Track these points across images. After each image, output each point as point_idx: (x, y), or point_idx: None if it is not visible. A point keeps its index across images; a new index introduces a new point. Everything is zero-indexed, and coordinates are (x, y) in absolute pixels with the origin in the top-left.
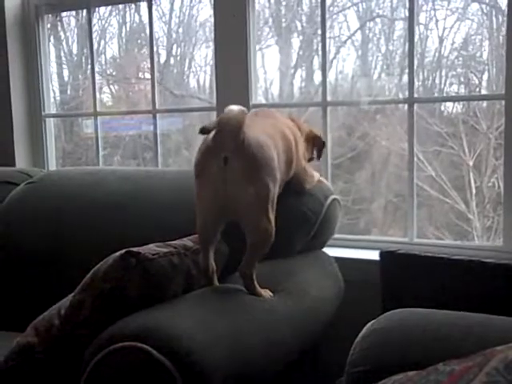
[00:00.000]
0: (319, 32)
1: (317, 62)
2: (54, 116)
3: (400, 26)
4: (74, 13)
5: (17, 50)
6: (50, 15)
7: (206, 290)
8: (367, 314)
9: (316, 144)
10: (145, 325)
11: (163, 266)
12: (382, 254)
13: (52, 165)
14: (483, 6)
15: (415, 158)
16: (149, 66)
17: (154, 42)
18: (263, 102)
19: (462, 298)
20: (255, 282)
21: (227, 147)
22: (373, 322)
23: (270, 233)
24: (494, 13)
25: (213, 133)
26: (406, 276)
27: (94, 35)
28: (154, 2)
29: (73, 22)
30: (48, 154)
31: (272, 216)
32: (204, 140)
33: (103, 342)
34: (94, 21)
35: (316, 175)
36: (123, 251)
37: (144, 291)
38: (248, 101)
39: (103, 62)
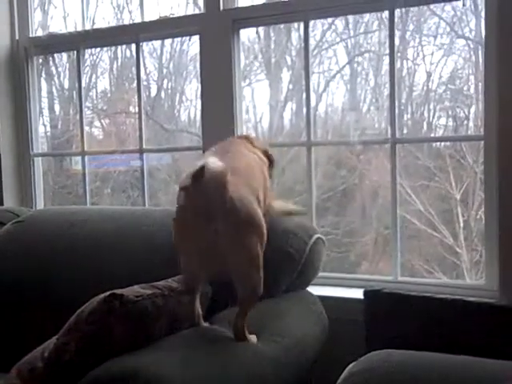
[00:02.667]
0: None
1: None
2: (42, 155)
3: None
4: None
5: (5, 89)
6: (39, 56)
7: (191, 332)
8: (352, 353)
9: (270, 161)
10: (127, 368)
11: (147, 307)
12: (366, 293)
13: (40, 204)
14: (469, 42)
15: (402, 191)
16: None
17: (145, 77)
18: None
19: (445, 337)
20: (246, 333)
21: (215, 215)
22: (353, 363)
23: (260, 286)
24: (479, 48)
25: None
26: (390, 315)
27: (86, 69)
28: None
29: (65, 57)
30: (36, 193)
31: (261, 271)
32: (186, 194)
33: None
34: (86, 55)
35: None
36: (107, 293)
37: (128, 333)
38: (234, 135)
39: (94, 97)
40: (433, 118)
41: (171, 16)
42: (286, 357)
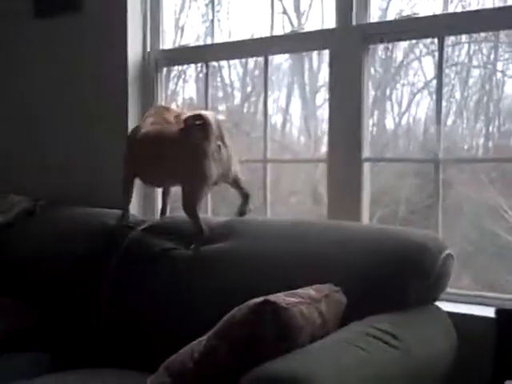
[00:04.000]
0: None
1: None
2: None
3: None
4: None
5: (136, 99)
6: (170, 68)
7: (333, 340)
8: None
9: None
10: (288, 372)
11: (295, 315)
12: (499, 312)
13: None
14: None
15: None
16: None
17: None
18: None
19: None
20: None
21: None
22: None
23: None
24: None
25: None
26: None
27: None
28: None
29: (192, 69)
30: None
31: None
32: None
33: None
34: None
35: None
36: (259, 300)
37: (278, 339)
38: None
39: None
40: None
41: (301, 31)
42: (422, 370)
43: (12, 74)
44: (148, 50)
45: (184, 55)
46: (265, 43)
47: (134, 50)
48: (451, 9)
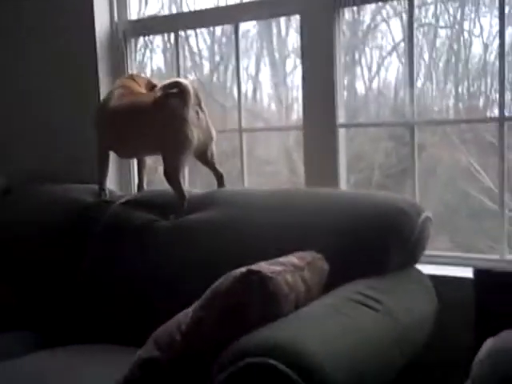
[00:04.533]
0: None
1: None
2: None
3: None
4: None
5: (106, 70)
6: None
7: (314, 307)
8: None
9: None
10: (272, 341)
11: (280, 284)
12: (477, 273)
13: None
14: None
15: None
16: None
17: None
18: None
19: None
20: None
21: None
22: (492, 339)
23: None
24: None
25: None
26: (504, 295)
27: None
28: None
29: (159, 39)
30: None
31: None
32: None
33: (230, 357)
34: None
35: None
36: (244, 269)
37: (264, 308)
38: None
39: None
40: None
41: None
42: (408, 336)
43: None
44: (116, 20)
45: (153, 25)
46: (235, 10)
47: (100, 22)
48: None
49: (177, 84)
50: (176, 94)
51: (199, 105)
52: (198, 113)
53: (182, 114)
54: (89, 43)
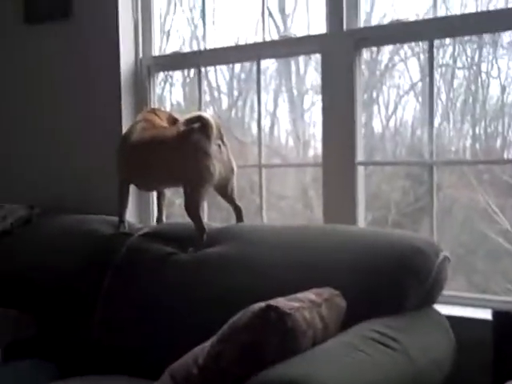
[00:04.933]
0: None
1: None
2: None
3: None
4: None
5: (130, 104)
6: (160, 73)
7: (333, 343)
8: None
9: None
10: (288, 377)
11: (298, 320)
12: (495, 314)
13: None
14: None
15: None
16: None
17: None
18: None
19: None
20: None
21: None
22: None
23: None
24: None
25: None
26: None
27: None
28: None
29: (178, 74)
30: None
31: None
32: None
33: None
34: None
35: None
36: (262, 304)
37: (282, 344)
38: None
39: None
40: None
41: (293, 36)
42: (423, 374)
43: (2, 78)
44: (140, 56)
45: (176, 61)
46: (257, 48)
47: (125, 57)
48: (439, 12)
49: (200, 118)
50: (199, 128)
51: (221, 139)
52: (220, 147)
53: (204, 147)
54: (113, 78)
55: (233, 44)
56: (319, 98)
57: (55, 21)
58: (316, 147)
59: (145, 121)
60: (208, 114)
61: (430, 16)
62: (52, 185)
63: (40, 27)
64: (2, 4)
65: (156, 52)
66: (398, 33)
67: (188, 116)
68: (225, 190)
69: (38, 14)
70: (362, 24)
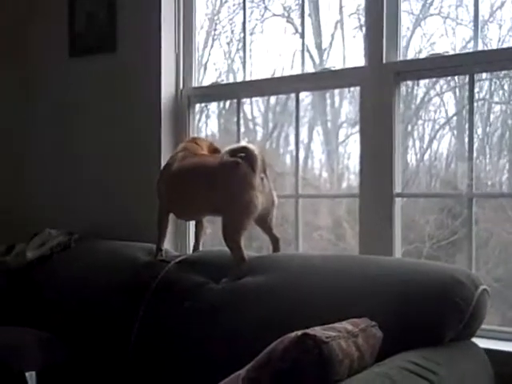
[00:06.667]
0: None
1: None
2: None
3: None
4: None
5: (170, 134)
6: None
7: (370, 375)
8: None
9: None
10: None
11: (335, 349)
12: None
13: None
14: None
15: None
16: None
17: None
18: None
19: None
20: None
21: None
22: None
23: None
24: None
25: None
26: None
27: (234, 118)
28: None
29: (214, 106)
30: None
31: None
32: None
33: None
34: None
35: None
36: (299, 333)
37: (318, 374)
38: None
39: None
40: None
41: (332, 69)
42: None
43: (47, 112)
44: (181, 87)
45: (215, 92)
46: (295, 81)
47: (167, 88)
48: (474, 46)
49: (244, 149)
50: (244, 159)
51: (264, 171)
52: (262, 179)
53: (249, 179)
54: (155, 108)
55: (272, 76)
56: (353, 130)
57: (100, 54)
58: (349, 178)
59: (186, 150)
60: (252, 145)
61: (469, 50)
62: (92, 212)
63: (85, 61)
64: (46, 37)
65: (195, 83)
66: (438, 66)
67: (232, 146)
68: (264, 221)
69: (82, 48)
70: (400, 57)
